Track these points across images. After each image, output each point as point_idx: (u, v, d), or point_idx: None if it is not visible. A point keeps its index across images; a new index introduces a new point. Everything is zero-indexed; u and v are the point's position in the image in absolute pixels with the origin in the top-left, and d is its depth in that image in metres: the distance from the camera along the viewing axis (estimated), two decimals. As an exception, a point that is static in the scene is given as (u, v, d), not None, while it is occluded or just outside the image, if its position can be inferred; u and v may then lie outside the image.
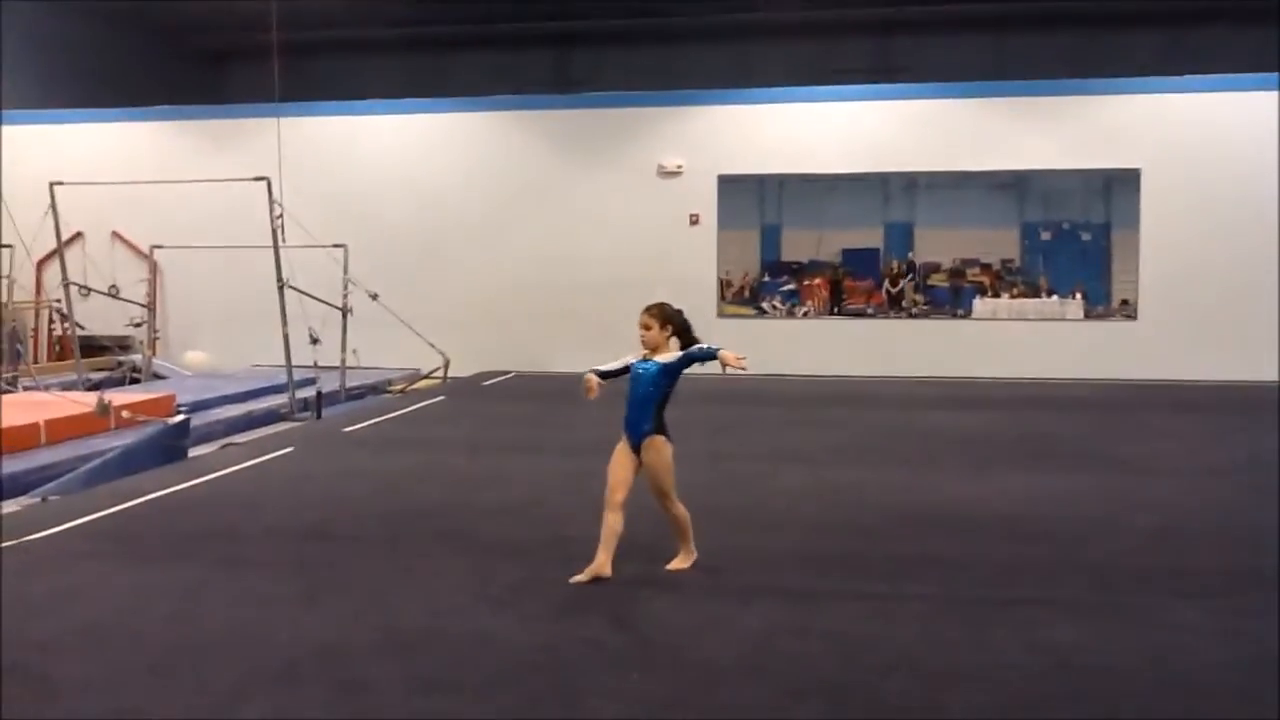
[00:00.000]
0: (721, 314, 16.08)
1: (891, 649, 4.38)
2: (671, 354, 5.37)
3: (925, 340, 15.85)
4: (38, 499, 7.75)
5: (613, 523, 5.22)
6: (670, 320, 5.42)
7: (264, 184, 12.48)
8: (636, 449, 5.40)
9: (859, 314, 16.08)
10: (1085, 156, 15.53)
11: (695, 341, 5.41)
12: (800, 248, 16.13)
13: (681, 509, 5.44)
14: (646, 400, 5.40)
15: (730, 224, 16.00)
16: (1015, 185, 15.83)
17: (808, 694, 3.93)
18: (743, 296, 16.23)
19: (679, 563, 5.47)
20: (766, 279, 16.19)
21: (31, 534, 6.21)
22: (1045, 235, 15.91)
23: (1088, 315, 15.72)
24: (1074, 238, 15.85)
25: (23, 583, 5.29)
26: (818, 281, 16.08)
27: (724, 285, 16.16)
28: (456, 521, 6.67)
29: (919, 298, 16.03)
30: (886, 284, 16.06)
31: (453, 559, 5.82)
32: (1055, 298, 15.83)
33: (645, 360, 5.43)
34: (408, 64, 21.85)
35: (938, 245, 16.04)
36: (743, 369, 5.03)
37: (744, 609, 4.93)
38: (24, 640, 4.39)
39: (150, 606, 4.98)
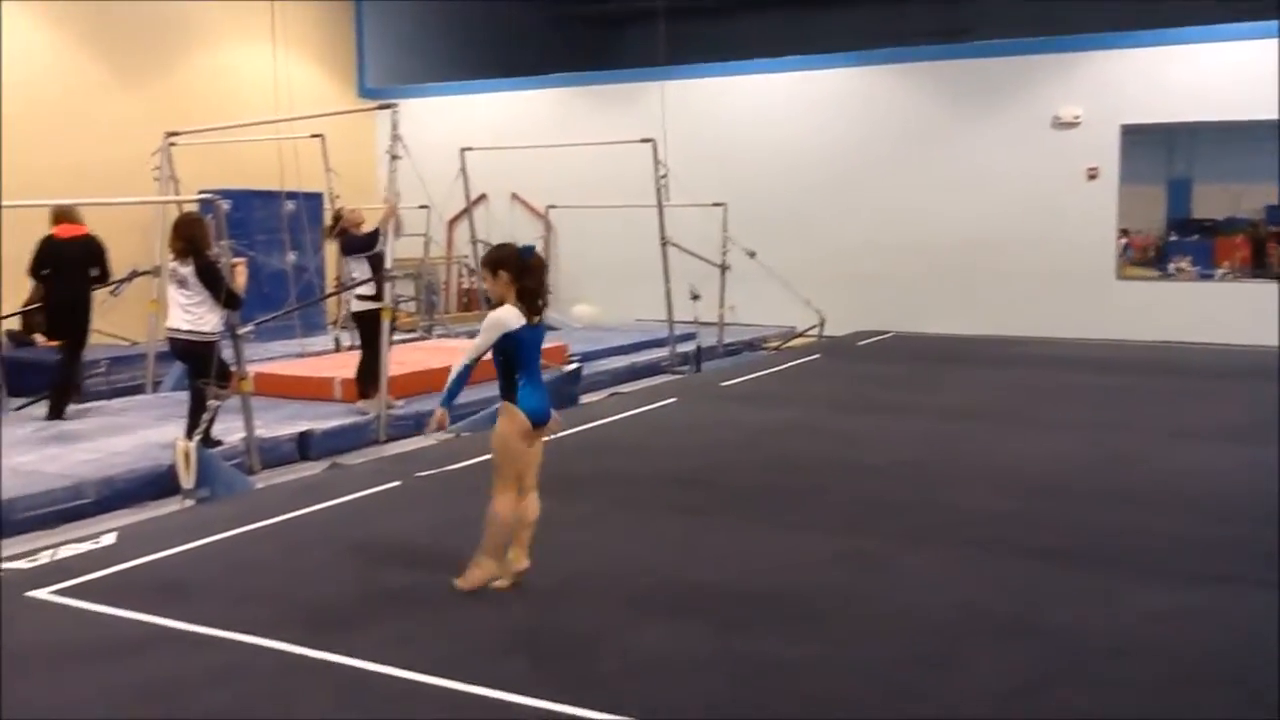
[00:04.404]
0: (1121, 276, 14.87)
1: (1312, 645, 3.87)
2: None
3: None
4: (452, 434, 8.51)
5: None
6: (502, 264, 4.38)
7: (649, 145, 12.91)
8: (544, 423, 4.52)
9: (1287, 277, 14.31)
10: None
11: (538, 285, 4.42)
12: (1214, 204, 14.59)
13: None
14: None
15: (1132, 178, 14.73)
16: None
17: (1198, 680, 3.60)
18: (1145, 258, 14.92)
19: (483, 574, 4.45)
20: (1173, 238, 14.78)
21: (448, 465, 6.85)
22: None
23: None
24: None
25: (442, 506, 5.85)
26: (1237, 241, 14.48)
27: (1122, 245, 14.91)
28: (826, 477, 6.65)
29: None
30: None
31: (821, 513, 5.80)
32: None
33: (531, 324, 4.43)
34: (787, 20, 21.84)
35: (1388, 200, 13.93)
36: None
37: (1134, 587, 4.57)
38: (443, 552, 4.82)
39: (547, 537, 5.32)
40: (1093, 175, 14.80)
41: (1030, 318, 14.82)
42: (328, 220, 12.76)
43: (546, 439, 4.62)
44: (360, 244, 9.03)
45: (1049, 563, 4.91)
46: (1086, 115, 14.76)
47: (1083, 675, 3.68)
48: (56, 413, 8.63)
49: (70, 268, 8.84)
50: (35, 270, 9.04)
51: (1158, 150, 14.67)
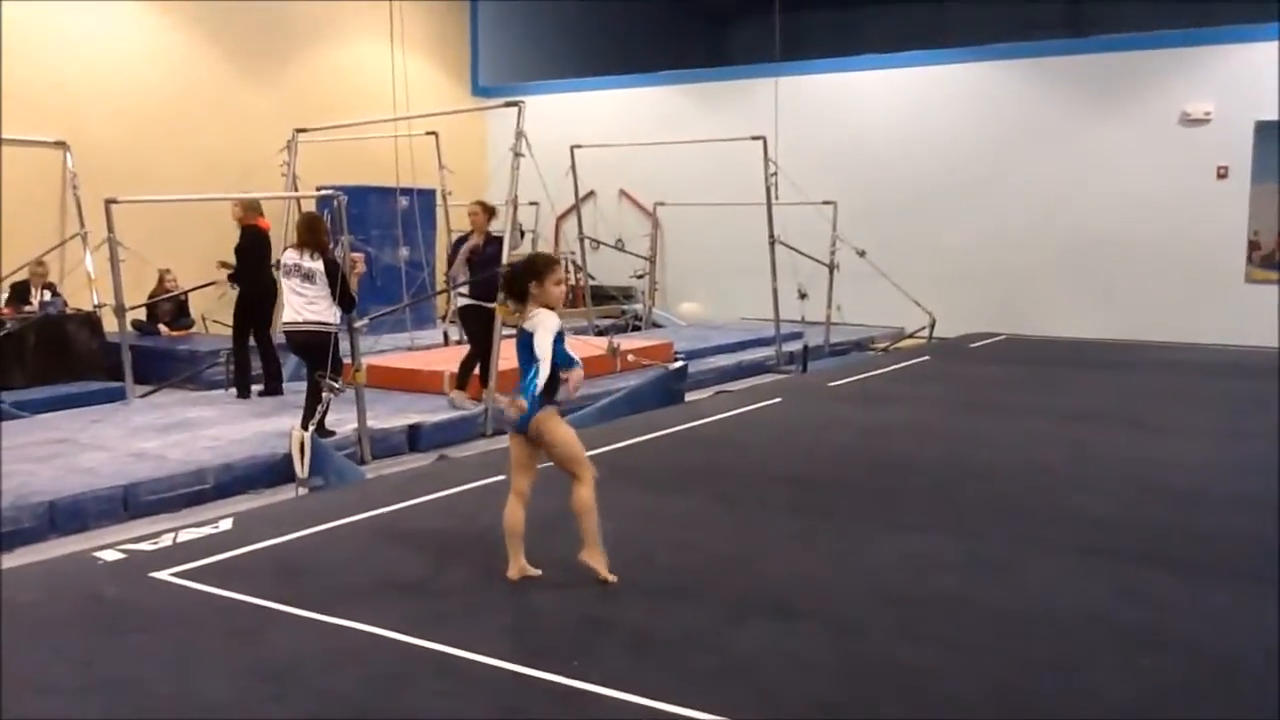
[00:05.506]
0: (1250, 279, 14.24)
1: None
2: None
3: None
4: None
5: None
6: None
7: (759, 143, 12.81)
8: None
9: None
10: None
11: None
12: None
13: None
14: None
15: (1267, 177, 14.08)
16: None
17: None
18: (1274, 261, 14.27)
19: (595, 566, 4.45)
20: (1307, 240, 14.10)
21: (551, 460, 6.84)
22: None
23: None
24: None
25: (547, 500, 5.84)
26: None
27: (1252, 247, 14.29)
28: (943, 479, 6.48)
29: None
30: None
31: (936, 515, 5.66)
32: None
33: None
34: (905, 15, 21.49)
35: None
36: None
37: (1261, 602, 4.34)
38: (549, 546, 4.80)
39: (655, 531, 5.31)
40: (1222, 174, 14.21)
41: (1152, 321, 14.32)
42: (442, 220, 13.02)
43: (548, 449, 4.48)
44: (488, 258, 9.01)
45: (1173, 572, 4.70)
46: (1217, 111, 14.16)
47: (1208, 691, 3.52)
48: (271, 390, 9.30)
49: (266, 259, 9.18)
50: (256, 262, 9.23)
51: (1293, 148, 13.98)
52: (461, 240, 9.33)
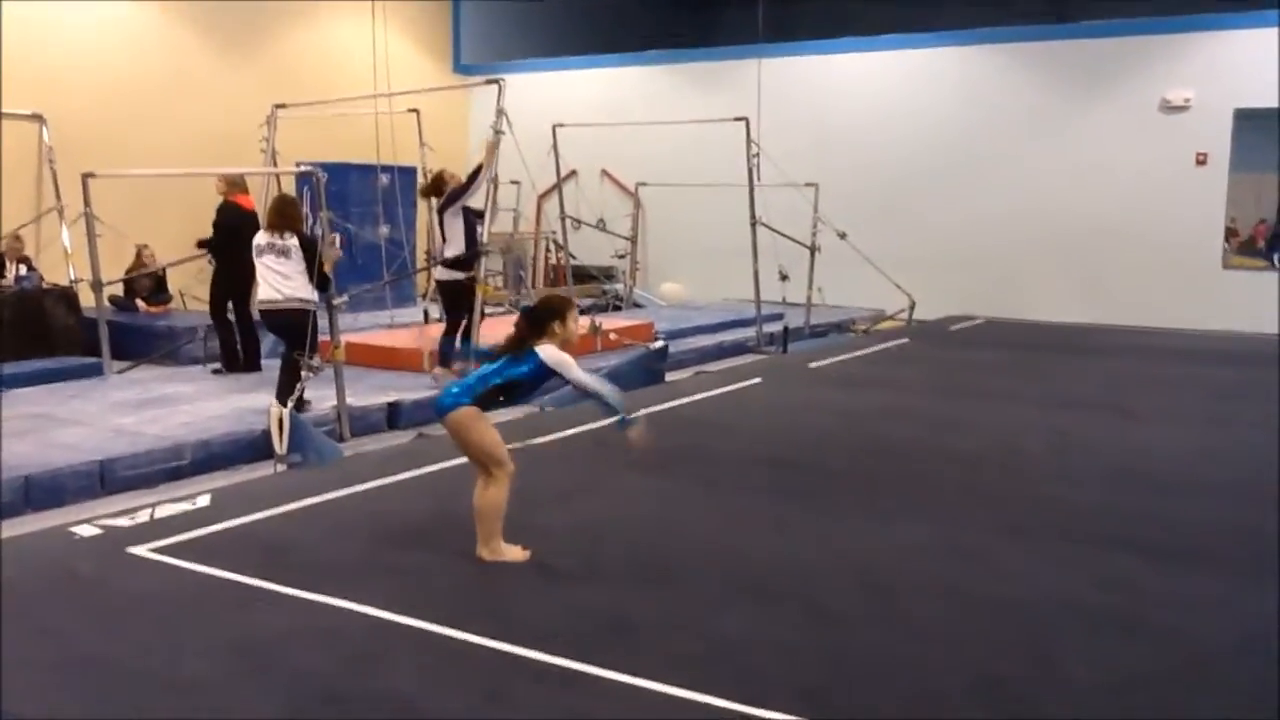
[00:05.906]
0: (1228, 265, 14.35)
1: None
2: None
3: None
4: (536, 408, 8.54)
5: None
6: None
7: (741, 124, 12.78)
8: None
9: None
10: None
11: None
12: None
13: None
14: None
15: (1244, 165, 14.17)
16: None
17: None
18: (1253, 248, 14.37)
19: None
20: (1285, 228, 14.20)
21: (535, 438, 6.86)
22: None
23: None
24: None
25: (529, 478, 5.84)
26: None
27: (1229, 234, 14.39)
28: (924, 464, 6.51)
29: None
30: None
31: (915, 500, 5.68)
32: None
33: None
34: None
35: None
36: None
37: (1243, 590, 4.37)
38: (531, 525, 4.81)
39: (636, 512, 5.32)
40: (1201, 161, 14.28)
41: (1130, 306, 14.41)
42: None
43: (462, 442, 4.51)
44: (457, 192, 8.99)
45: (1153, 560, 4.73)
46: (1197, 98, 14.23)
47: (1184, 677, 3.55)
48: (251, 367, 9.36)
49: (246, 236, 9.05)
50: (228, 238, 9.15)
51: (1273, 135, 14.06)
52: (448, 201, 9.18)
